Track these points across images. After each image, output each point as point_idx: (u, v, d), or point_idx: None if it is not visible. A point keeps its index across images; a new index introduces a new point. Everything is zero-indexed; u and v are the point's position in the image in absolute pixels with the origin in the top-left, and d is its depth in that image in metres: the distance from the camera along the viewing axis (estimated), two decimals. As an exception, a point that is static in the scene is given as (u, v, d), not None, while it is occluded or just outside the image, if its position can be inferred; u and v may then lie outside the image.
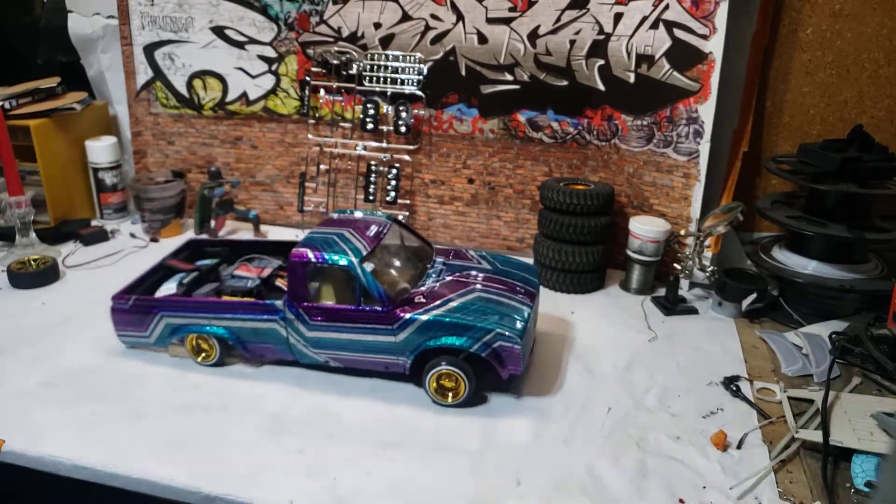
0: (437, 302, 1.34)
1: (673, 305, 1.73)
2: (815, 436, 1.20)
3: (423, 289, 1.39)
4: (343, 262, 1.32)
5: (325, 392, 1.35)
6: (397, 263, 1.46)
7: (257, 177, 2.22)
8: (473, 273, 1.46)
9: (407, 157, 2.07)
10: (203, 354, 1.43)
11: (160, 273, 1.59)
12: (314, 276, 1.36)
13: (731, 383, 1.40)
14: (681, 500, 1.09)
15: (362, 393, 1.35)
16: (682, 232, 1.79)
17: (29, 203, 1.85)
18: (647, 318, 1.70)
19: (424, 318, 1.31)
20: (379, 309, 1.31)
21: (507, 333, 1.29)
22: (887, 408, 1.27)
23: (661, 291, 1.81)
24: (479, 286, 1.41)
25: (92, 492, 1.14)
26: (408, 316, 1.31)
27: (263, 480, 1.11)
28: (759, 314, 1.71)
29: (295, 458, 1.16)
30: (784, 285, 1.76)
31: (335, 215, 1.53)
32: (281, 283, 1.51)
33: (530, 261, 1.90)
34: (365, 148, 2.09)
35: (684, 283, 1.83)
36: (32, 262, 1.78)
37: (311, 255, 1.34)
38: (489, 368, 1.32)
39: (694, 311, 1.73)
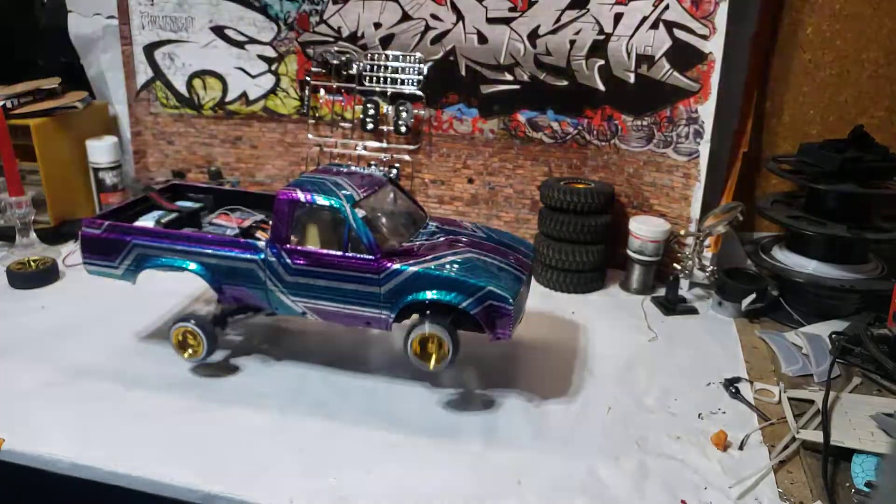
0: (428, 257, 1.27)
1: (673, 305, 1.73)
2: (816, 436, 1.20)
3: (413, 244, 1.33)
4: (334, 203, 1.27)
5: (325, 392, 1.35)
6: (389, 220, 1.39)
7: (257, 177, 2.22)
8: (467, 238, 1.39)
9: (407, 157, 2.07)
10: (189, 350, 1.36)
11: (139, 207, 1.51)
12: (300, 218, 1.30)
13: (730, 385, 1.40)
14: (682, 501, 1.09)
15: (362, 392, 1.35)
16: (682, 232, 1.79)
17: (29, 203, 1.85)
18: (647, 318, 1.70)
19: (413, 269, 1.24)
20: (366, 257, 1.25)
21: (499, 293, 1.22)
22: (887, 408, 1.28)
23: (661, 291, 1.81)
24: (472, 249, 1.34)
25: (92, 491, 1.14)
26: (395, 266, 1.24)
27: (263, 480, 1.11)
28: (759, 314, 1.71)
29: (295, 458, 1.16)
30: (784, 285, 1.76)
31: (329, 166, 1.45)
32: (262, 235, 1.44)
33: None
34: (365, 148, 2.09)
35: (684, 283, 1.83)
36: (32, 263, 1.78)
37: (300, 195, 1.28)
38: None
39: (694, 311, 1.73)
